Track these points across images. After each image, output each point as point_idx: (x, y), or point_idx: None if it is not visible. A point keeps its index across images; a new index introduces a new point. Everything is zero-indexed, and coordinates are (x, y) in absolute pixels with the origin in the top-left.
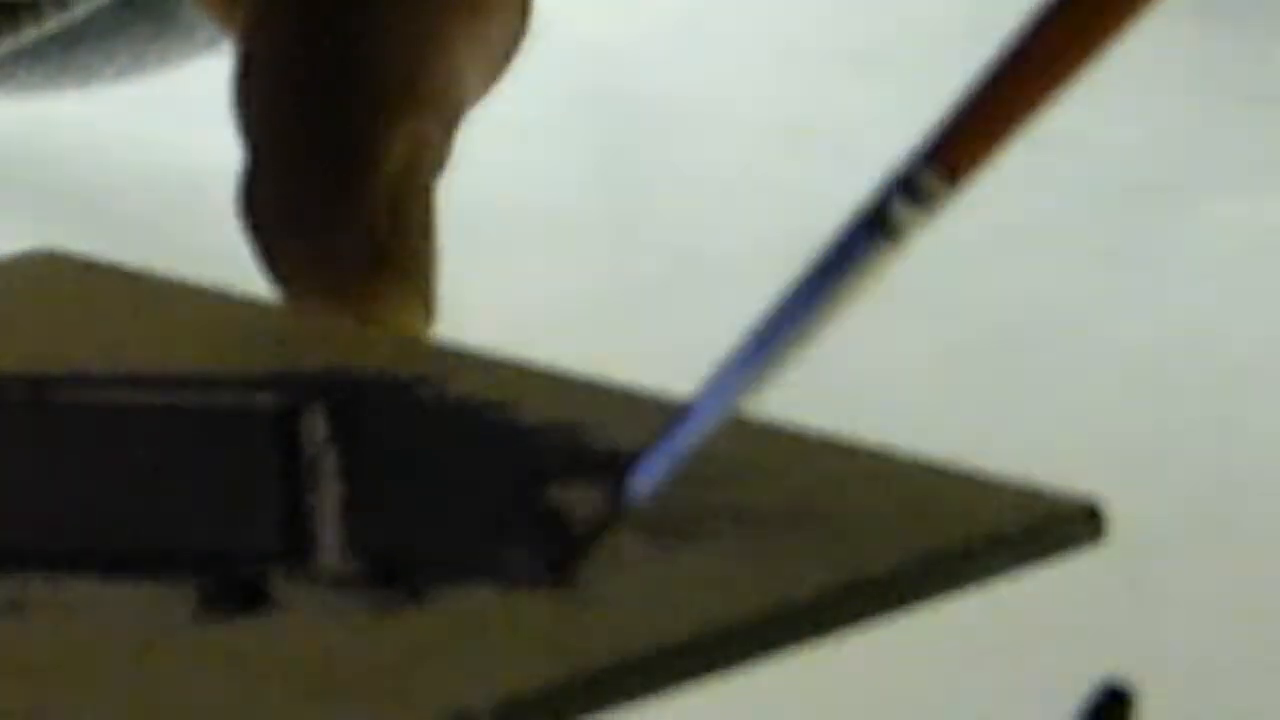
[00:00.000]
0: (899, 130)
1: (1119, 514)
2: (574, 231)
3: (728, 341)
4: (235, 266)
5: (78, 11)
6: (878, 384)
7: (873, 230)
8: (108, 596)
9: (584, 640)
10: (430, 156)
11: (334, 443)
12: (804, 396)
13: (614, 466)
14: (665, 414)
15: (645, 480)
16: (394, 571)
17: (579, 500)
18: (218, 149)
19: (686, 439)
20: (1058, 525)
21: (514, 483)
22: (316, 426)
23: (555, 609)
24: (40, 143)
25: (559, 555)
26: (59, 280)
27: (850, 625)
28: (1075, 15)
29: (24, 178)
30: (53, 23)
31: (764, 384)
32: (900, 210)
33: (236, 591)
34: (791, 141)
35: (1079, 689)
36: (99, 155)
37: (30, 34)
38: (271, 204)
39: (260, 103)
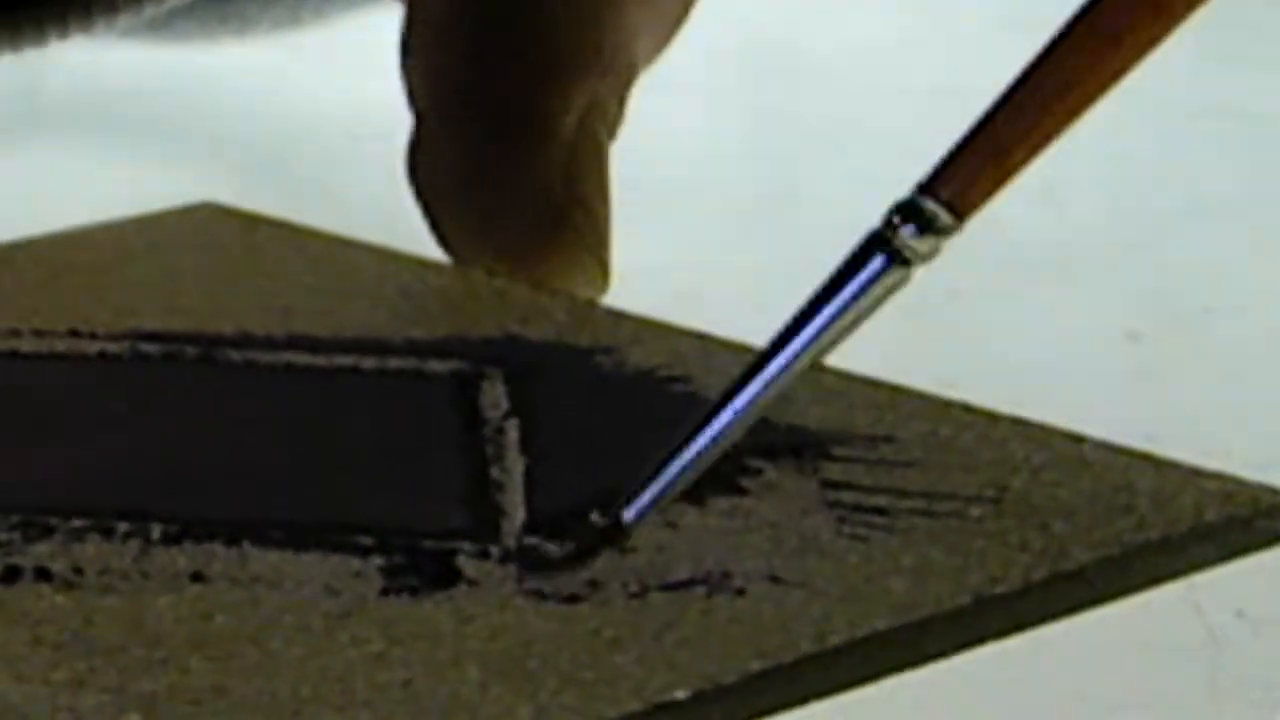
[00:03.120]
0: None
1: None
2: (736, 194)
3: (890, 308)
4: (396, 221)
5: None
6: (1060, 366)
7: (882, 256)
8: (291, 569)
9: (781, 630)
10: (604, 120)
11: (515, 414)
12: (986, 380)
13: (798, 445)
14: (845, 389)
15: (637, 507)
16: (586, 552)
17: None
18: (377, 100)
19: (682, 468)
20: (1262, 517)
21: None
22: (497, 396)
23: (752, 597)
24: (196, 91)
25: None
26: (224, 234)
27: (1051, 618)
28: (1077, 52)
29: (180, 127)
30: None
31: (764, 410)
32: (907, 238)
33: (425, 567)
34: (950, 102)
35: None
36: (254, 104)
37: None
38: (444, 169)
39: (430, 68)
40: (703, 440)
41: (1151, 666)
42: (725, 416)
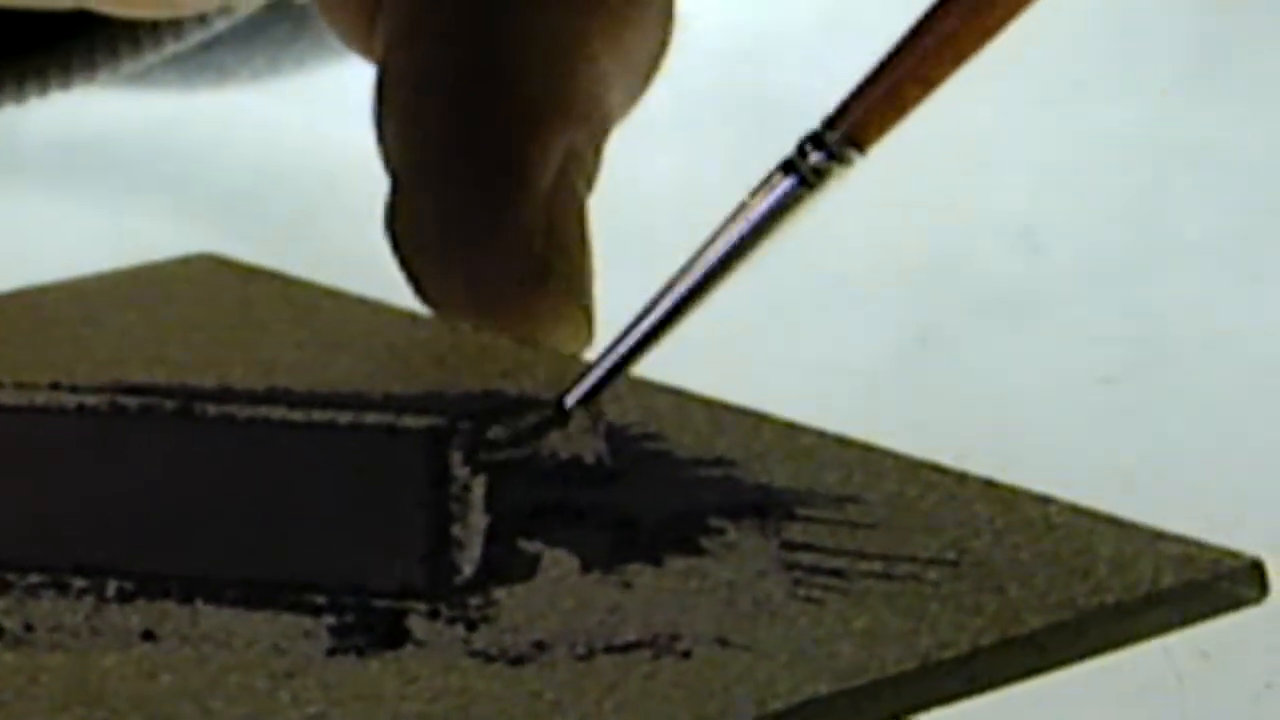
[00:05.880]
0: (1036, 140)
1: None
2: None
3: (863, 354)
4: (374, 270)
5: (219, 26)
6: (1034, 409)
7: (792, 178)
8: (242, 627)
9: (722, 694)
10: (582, 171)
11: (483, 470)
12: (960, 424)
13: (763, 505)
14: (824, 449)
15: (575, 395)
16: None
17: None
18: (356, 149)
19: (611, 361)
20: (1220, 583)
21: (663, 522)
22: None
23: (697, 660)
24: (174, 140)
25: None
26: (217, 286)
27: (1000, 683)
28: (960, 7)
29: (157, 176)
30: (195, 37)
31: (687, 314)
32: (814, 164)
33: (373, 627)
34: (934, 149)
35: None
36: (232, 153)
37: (170, 49)
38: (423, 227)
39: (406, 123)
40: (632, 340)
41: (1119, 708)
42: (654, 315)
